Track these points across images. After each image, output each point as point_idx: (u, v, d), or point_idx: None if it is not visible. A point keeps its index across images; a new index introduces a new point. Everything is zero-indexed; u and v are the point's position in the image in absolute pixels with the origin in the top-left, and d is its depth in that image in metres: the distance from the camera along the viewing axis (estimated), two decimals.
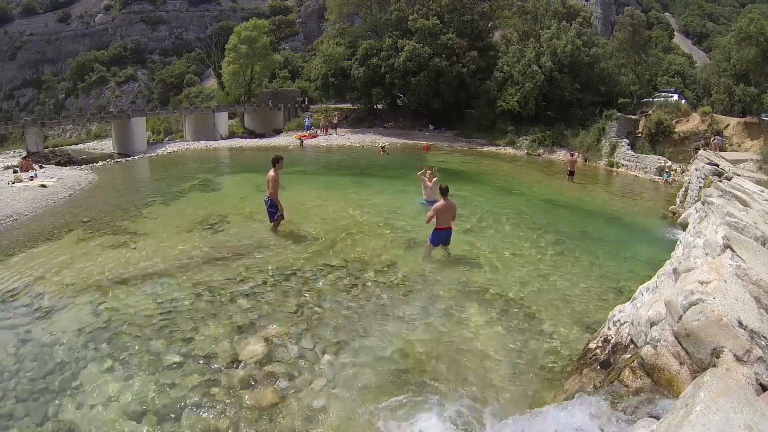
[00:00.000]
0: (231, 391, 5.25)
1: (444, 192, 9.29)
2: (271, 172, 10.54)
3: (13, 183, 18.76)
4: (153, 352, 6.01)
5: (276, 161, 10.64)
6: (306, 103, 47.08)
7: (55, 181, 19.38)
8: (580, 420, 3.25)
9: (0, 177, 20.70)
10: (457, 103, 37.59)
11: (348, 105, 44.11)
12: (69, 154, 33.42)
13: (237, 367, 5.69)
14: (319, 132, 38.57)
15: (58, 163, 27.76)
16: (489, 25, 41.16)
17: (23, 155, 29.61)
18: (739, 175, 11.95)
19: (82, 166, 25.55)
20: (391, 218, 12.47)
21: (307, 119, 40.27)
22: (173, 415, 4.91)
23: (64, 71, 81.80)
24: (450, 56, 36.10)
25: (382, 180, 19.95)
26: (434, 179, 13.24)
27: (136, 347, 6.13)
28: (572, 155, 23.32)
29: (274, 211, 10.80)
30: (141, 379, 5.46)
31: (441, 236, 9.35)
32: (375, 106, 42.28)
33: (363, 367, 5.70)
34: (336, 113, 41.98)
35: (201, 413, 4.93)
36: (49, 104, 78.03)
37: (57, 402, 5.17)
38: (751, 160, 22.68)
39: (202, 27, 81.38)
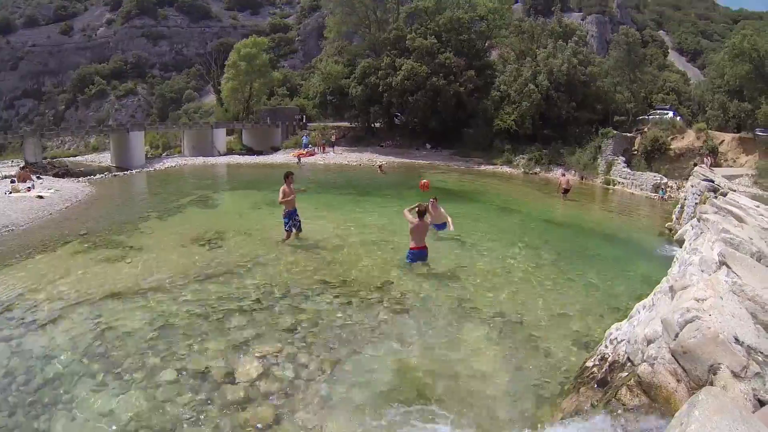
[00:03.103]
0: (226, 409, 5.18)
1: (421, 214, 9.40)
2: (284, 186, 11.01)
3: (10, 193, 18.70)
4: (147, 368, 5.94)
5: (286, 176, 11.10)
6: (304, 120, 47.29)
7: (53, 192, 19.35)
8: None
9: None
10: (455, 122, 37.80)
11: (346, 123, 44.34)
12: (67, 166, 33.53)
13: (232, 385, 5.62)
14: (316, 150, 38.73)
15: (56, 175, 27.83)
16: (486, 44, 41.63)
17: (21, 165, 29.63)
18: (734, 191, 12.00)
19: (80, 179, 25.54)
20: (388, 237, 12.47)
21: (304, 137, 40.46)
22: None
23: (64, 83, 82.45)
24: (447, 75, 36.40)
25: (379, 199, 19.97)
26: (439, 209, 12.20)
27: (130, 363, 6.06)
28: (564, 174, 23.46)
29: (287, 221, 11.14)
30: (135, 395, 5.38)
31: (416, 255, 9.49)
32: (372, 125, 42.45)
33: (359, 385, 5.64)
34: (333, 131, 42.11)
35: (195, 431, 4.86)
36: (48, 115, 78.44)
37: (48, 416, 5.08)
38: (747, 175, 22.86)
39: (202, 43, 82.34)
